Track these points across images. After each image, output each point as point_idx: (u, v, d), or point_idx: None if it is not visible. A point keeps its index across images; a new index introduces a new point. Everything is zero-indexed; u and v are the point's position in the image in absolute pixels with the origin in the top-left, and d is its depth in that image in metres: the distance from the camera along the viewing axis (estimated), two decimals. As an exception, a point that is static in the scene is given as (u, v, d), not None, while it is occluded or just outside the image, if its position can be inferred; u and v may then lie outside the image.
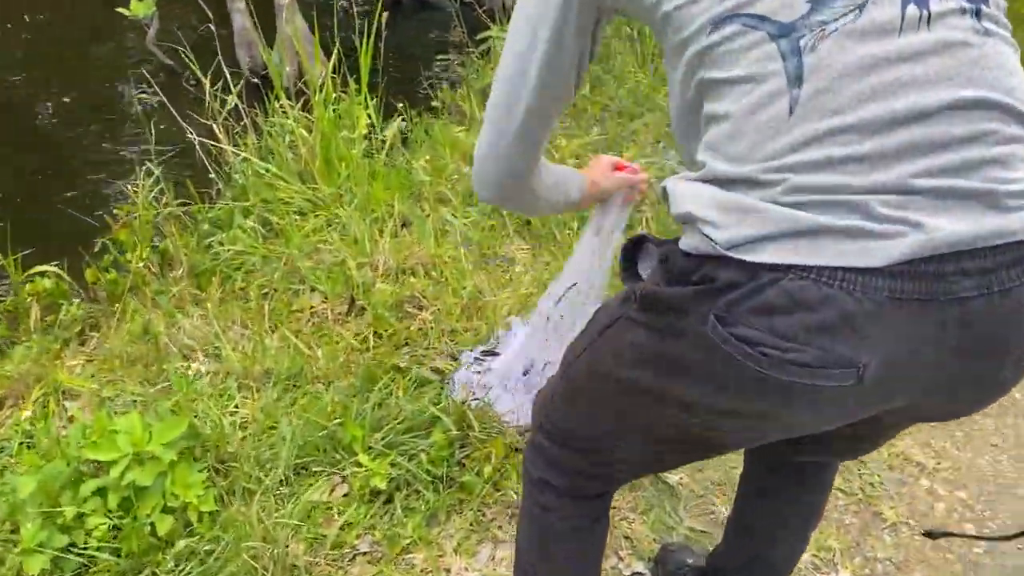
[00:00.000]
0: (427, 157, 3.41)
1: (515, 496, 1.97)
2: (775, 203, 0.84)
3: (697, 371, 0.93)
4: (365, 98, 3.22)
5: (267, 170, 3.13)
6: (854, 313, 0.81)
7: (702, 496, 2.04)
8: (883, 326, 0.82)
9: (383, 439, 2.02)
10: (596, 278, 1.81)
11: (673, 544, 1.88)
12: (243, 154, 3.18)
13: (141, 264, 2.84)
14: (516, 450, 2.07)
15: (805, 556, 1.89)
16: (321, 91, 3.14)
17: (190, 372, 2.35)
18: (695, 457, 1.26)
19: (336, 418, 2.09)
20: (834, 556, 1.91)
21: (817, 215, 0.82)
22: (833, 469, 1.46)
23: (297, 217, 3.04)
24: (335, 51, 3.24)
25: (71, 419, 2.12)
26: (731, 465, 2.11)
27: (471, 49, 4.76)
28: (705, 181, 0.91)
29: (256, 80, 5.12)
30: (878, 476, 2.12)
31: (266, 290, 2.75)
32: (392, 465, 1.95)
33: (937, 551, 1.95)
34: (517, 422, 2.08)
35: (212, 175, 3.37)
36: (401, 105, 3.66)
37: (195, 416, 2.09)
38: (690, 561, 1.79)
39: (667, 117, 3.73)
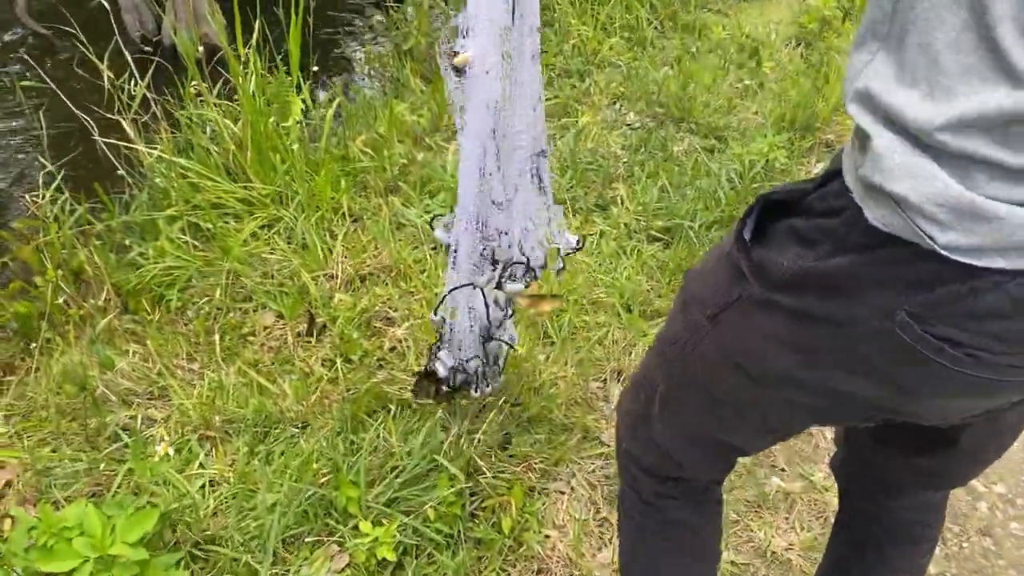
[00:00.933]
0: (362, 137, 3.09)
1: (540, 549, 1.77)
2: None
3: (861, 366, 0.85)
4: (298, 79, 2.85)
5: (190, 168, 2.75)
6: None
7: (737, 522, 1.88)
8: None
9: (382, 496, 1.77)
10: None
11: None
12: (158, 151, 2.79)
13: (54, 289, 2.46)
14: (538, 492, 1.87)
15: None
16: (245, 72, 2.77)
17: (138, 421, 2.04)
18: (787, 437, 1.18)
19: (323, 474, 1.83)
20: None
21: None
22: (937, 525, 1.31)
23: (232, 221, 2.70)
24: (258, 23, 2.85)
25: (7, 517, 1.78)
26: (760, 479, 1.96)
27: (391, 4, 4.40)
28: (942, 155, 0.70)
29: (148, 49, 4.63)
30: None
31: (207, 309, 2.42)
32: (399, 528, 1.71)
33: (987, 559, 1.86)
34: None
35: (121, 172, 2.96)
36: (329, 78, 3.31)
37: (155, 482, 1.80)
38: None
39: (622, 75, 3.52)
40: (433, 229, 1.59)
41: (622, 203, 2.73)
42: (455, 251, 1.55)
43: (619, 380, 2.18)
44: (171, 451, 1.80)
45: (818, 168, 3.07)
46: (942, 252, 0.72)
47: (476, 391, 1.78)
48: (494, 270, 1.55)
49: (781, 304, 0.89)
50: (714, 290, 0.98)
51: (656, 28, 4.01)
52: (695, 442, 1.14)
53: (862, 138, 0.77)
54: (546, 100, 3.34)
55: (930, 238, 0.72)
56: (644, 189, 2.74)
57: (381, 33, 4.83)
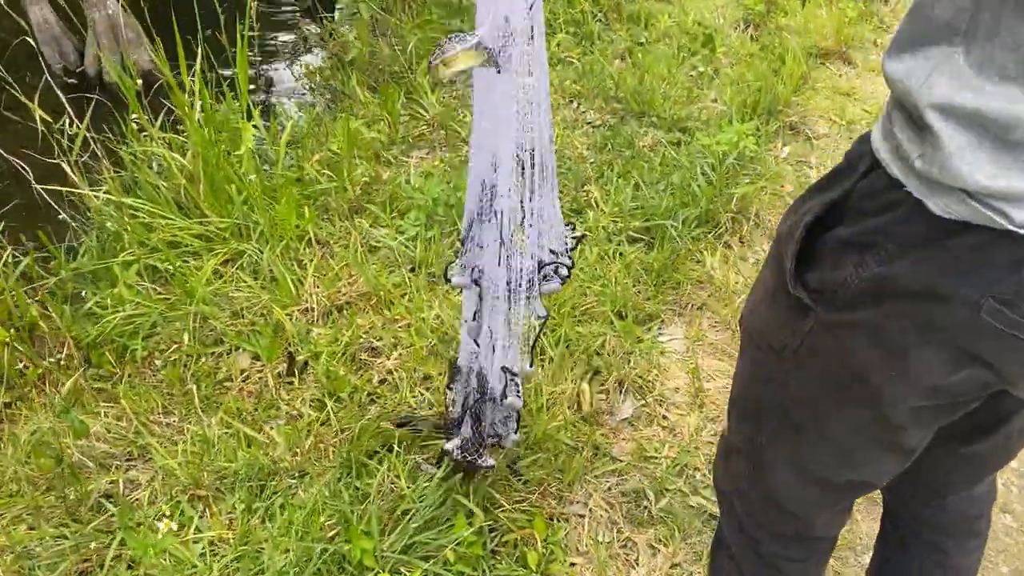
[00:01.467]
0: (317, 157, 2.97)
1: (570, 579, 1.69)
2: None
3: (961, 357, 0.82)
4: (248, 106, 2.71)
5: (139, 208, 2.60)
6: None
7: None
8: None
9: (397, 544, 1.68)
10: None
11: None
12: (104, 193, 2.63)
13: (7, 348, 2.29)
14: (556, 519, 1.79)
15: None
16: (193, 101, 2.62)
17: (120, 486, 1.91)
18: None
19: (330, 526, 1.72)
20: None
21: None
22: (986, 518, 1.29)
23: (191, 259, 2.56)
24: (201, 47, 2.70)
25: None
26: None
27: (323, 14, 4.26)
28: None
29: (73, 82, 4.41)
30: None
31: (176, 357, 2.28)
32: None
33: (1010, 537, 1.85)
34: None
35: (64, 218, 2.79)
36: (270, 96, 3.17)
37: (154, 553, 1.67)
38: None
39: (576, 72, 3.41)
40: (449, 279, 1.48)
41: (597, 206, 2.66)
42: (479, 277, 1.44)
43: (622, 391, 2.12)
44: (173, 525, 1.66)
45: (786, 152, 3.06)
46: (1020, 231, 0.72)
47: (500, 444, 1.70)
48: (531, 280, 1.44)
49: (859, 320, 0.85)
50: (781, 328, 0.94)
51: (601, 21, 3.95)
52: (818, 488, 1.07)
53: (920, 128, 0.75)
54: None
55: (1007, 218, 0.72)
56: (617, 190, 2.68)
57: (316, 44, 4.69)
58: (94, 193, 2.61)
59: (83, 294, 2.48)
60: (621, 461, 1.96)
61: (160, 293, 2.45)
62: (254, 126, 2.66)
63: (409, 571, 1.63)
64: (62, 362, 2.27)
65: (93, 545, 1.74)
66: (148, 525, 1.78)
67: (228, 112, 2.72)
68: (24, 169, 2.60)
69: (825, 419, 0.96)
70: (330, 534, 1.71)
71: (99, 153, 2.75)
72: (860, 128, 3.32)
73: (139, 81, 2.67)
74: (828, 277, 0.86)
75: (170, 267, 2.48)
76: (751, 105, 3.14)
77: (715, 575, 1.32)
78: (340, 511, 1.74)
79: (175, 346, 2.30)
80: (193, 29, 2.84)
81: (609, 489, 1.91)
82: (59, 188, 2.58)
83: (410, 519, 1.71)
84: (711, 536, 1.80)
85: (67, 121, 2.67)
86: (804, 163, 3.05)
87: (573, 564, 1.74)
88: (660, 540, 1.81)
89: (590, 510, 1.86)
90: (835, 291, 0.85)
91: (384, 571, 1.63)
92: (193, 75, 2.62)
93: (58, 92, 2.69)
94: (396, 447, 1.88)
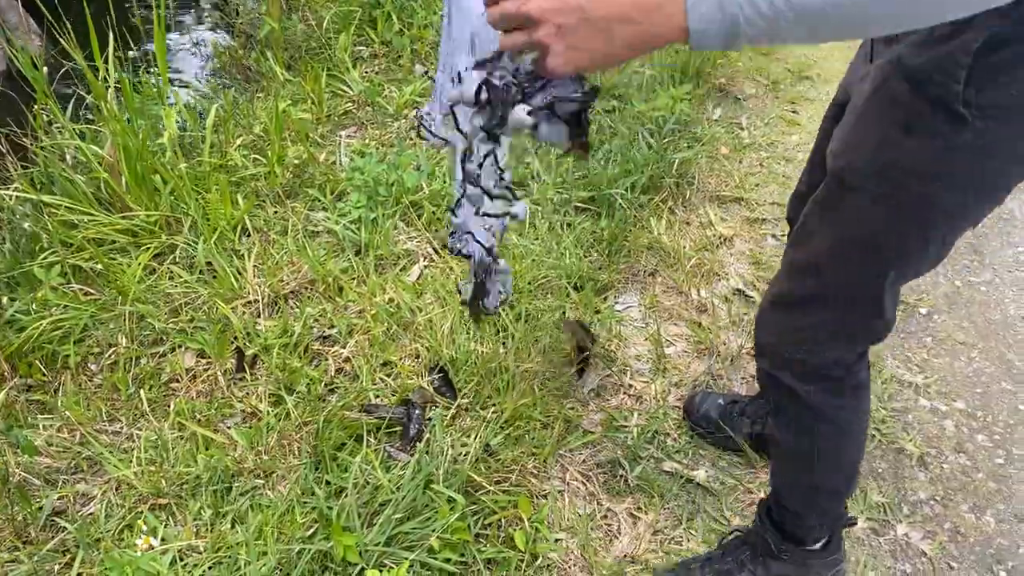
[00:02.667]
0: (239, 140, 2.84)
1: (557, 558, 1.68)
2: None
3: None
4: (163, 90, 2.56)
5: (55, 205, 2.43)
6: None
7: (735, 486, 1.86)
8: None
9: (380, 536, 1.63)
10: None
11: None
12: (13, 191, 2.45)
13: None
14: (536, 497, 1.77)
15: (861, 522, 1.79)
16: (112, 92, 2.46)
17: (72, 502, 1.79)
18: None
19: (307, 524, 1.66)
20: (884, 513, 1.82)
21: None
22: None
23: (118, 256, 2.41)
24: (112, 29, 2.52)
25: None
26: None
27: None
28: None
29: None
30: (883, 408, 2.04)
31: (112, 359, 2.16)
32: (409, 570, 1.58)
33: (967, 475, 1.92)
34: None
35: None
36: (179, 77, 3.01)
37: (118, 569, 1.58)
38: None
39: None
40: (460, 291, 1.39)
41: (539, 176, 2.63)
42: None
43: (586, 363, 2.11)
44: (155, 541, 1.57)
45: (717, 114, 3.09)
46: None
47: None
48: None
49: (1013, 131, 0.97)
50: (920, 152, 1.02)
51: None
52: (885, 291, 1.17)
53: None
54: (425, 78, 3.21)
55: None
56: (557, 159, 2.66)
57: (220, 21, 4.47)
58: (5, 192, 2.43)
59: (2, 300, 2.31)
60: (593, 433, 1.95)
61: (89, 294, 2.31)
62: (177, 112, 2.52)
63: (395, 563, 1.58)
64: (-12, 375, 2.11)
65: (51, 567, 1.62)
66: (110, 540, 1.68)
67: (145, 98, 2.56)
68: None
69: (963, 219, 1.09)
70: (308, 533, 1.65)
71: (3, 149, 2.56)
72: (785, 87, 3.38)
73: (45, 69, 2.48)
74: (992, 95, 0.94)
75: (98, 266, 2.33)
76: (680, 68, 3.15)
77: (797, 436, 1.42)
78: (316, 508, 1.68)
79: (111, 349, 2.17)
80: (74, 9, 2.64)
81: (584, 462, 1.90)
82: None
83: (394, 511, 1.66)
84: (688, 500, 1.82)
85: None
86: (736, 124, 3.09)
87: (558, 540, 1.73)
88: (639, 508, 1.82)
89: (568, 484, 1.85)
90: (997, 104, 0.94)
91: (369, 565, 1.58)
92: (106, 59, 2.45)
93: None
94: (366, 436, 1.83)
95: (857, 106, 1.11)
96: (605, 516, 1.81)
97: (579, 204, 2.54)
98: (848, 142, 1.11)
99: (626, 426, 1.98)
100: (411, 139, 2.89)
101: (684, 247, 2.47)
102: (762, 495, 1.84)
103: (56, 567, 1.65)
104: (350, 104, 3.21)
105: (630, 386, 2.08)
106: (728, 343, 2.21)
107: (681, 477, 1.88)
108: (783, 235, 2.60)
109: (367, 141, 2.95)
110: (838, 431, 1.36)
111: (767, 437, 1.75)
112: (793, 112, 3.25)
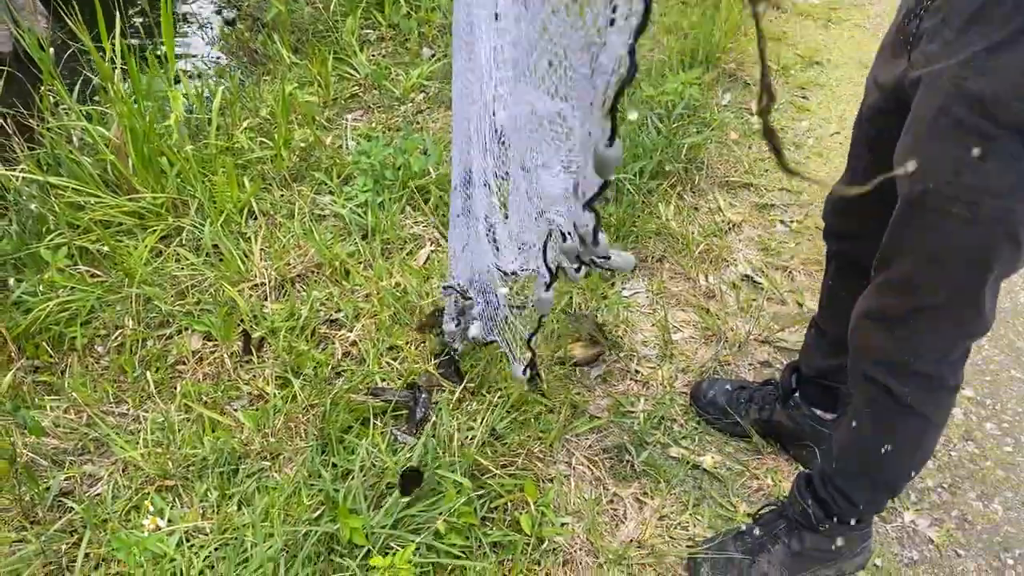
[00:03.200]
0: (246, 123, 2.83)
1: (563, 542, 1.68)
2: None
3: None
4: (174, 72, 2.55)
5: (62, 186, 2.43)
6: None
7: (741, 472, 1.85)
8: None
9: (386, 519, 1.62)
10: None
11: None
12: (20, 172, 2.44)
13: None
14: (542, 481, 1.77)
15: (868, 508, 1.78)
16: (119, 72, 2.45)
17: (79, 482, 1.80)
18: None
19: (314, 507, 1.66)
20: (892, 500, 1.81)
21: None
22: None
23: (125, 238, 2.41)
24: (119, 10, 2.51)
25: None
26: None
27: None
28: None
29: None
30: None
31: (119, 342, 2.16)
32: (415, 553, 1.58)
33: (975, 463, 1.92)
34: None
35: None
36: (187, 60, 3.00)
37: (124, 549, 1.58)
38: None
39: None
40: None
41: (547, 161, 2.61)
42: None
43: (594, 347, 2.10)
44: (161, 522, 1.57)
45: (727, 100, 3.06)
46: None
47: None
48: None
49: None
50: (1003, 175, 1.05)
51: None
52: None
53: None
54: (431, 61, 3.19)
55: None
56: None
57: (227, 3, 4.45)
58: (11, 173, 2.43)
59: (9, 282, 2.32)
60: (599, 418, 1.95)
61: (96, 276, 2.31)
62: (184, 95, 2.51)
63: (401, 546, 1.58)
64: (-2, 357, 2.12)
65: (62, 547, 1.63)
66: (117, 521, 1.69)
67: (152, 79, 2.55)
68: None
69: None
70: (314, 515, 1.65)
71: (9, 131, 2.56)
72: (795, 73, 3.36)
73: (51, 50, 2.48)
74: None
75: (104, 248, 2.33)
76: (689, 53, 3.13)
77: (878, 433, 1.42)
78: (322, 490, 1.68)
79: (118, 331, 2.17)
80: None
81: (590, 447, 1.90)
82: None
83: (398, 493, 1.66)
84: (695, 485, 1.81)
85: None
86: (745, 109, 3.07)
87: (564, 524, 1.73)
88: (645, 493, 1.81)
89: (574, 469, 1.85)
90: None
91: (375, 548, 1.58)
92: (113, 41, 2.44)
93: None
94: (372, 419, 1.82)
95: (920, 128, 1.13)
96: (611, 501, 1.80)
97: (587, 189, 2.52)
98: (922, 166, 1.13)
99: (633, 411, 1.98)
100: (417, 123, 2.88)
101: (692, 233, 2.46)
102: (769, 481, 1.84)
103: (63, 547, 1.65)
104: (357, 87, 3.19)
105: (637, 372, 2.08)
106: (736, 329, 2.20)
107: (688, 463, 1.87)
108: (792, 221, 2.59)
109: (374, 124, 2.93)
110: (925, 426, 1.38)
111: (831, 423, 1.79)
112: (803, 98, 3.23)
